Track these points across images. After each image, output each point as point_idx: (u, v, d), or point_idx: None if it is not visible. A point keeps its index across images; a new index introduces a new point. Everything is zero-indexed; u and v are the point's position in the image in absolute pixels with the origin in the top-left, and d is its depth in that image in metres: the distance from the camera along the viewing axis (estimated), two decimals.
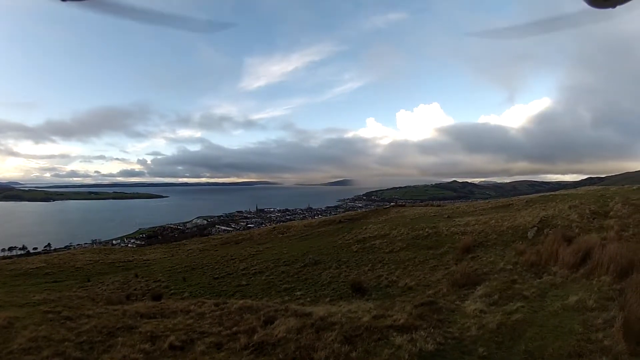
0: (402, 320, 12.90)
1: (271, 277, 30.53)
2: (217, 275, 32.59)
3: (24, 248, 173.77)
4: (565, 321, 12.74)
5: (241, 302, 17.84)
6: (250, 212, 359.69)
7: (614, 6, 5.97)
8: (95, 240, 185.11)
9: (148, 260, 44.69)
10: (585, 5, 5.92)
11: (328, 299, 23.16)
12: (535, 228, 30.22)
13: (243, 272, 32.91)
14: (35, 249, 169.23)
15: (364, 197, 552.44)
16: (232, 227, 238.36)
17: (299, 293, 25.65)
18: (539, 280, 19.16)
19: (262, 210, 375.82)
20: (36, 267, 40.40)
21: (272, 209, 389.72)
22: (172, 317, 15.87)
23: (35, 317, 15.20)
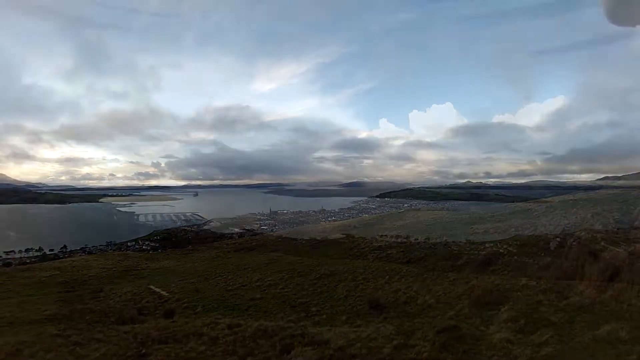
0: (425, 353, 12.22)
1: (286, 290, 29.87)
2: (230, 287, 31.90)
3: (40, 250, 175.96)
4: (598, 355, 11.98)
5: (256, 324, 17.25)
6: (263, 215, 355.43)
7: (634, 25, 5.99)
8: (110, 242, 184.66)
9: (161, 268, 44.38)
10: (584, 13, 5.95)
11: (345, 317, 22.44)
12: (558, 239, 29.37)
13: (257, 283, 32.32)
14: (51, 250, 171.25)
15: (378, 198, 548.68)
16: (246, 229, 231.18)
17: (314, 309, 24.93)
18: (565, 301, 18.28)
19: (275, 212, 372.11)
20: (50, 275, 40.30)
21: (285, 211, 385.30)
22: (184, 342, 15.36)
23: (44, 342, 14.80)
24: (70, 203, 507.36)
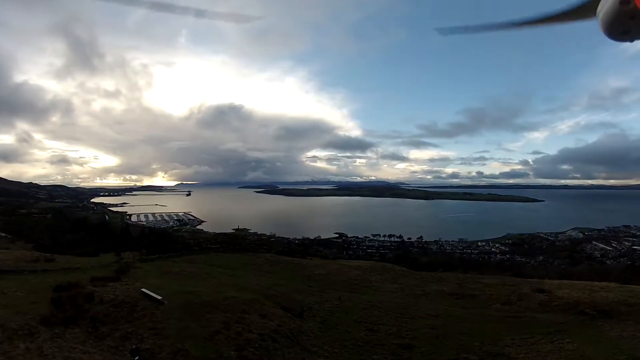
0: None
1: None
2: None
3: (400, 237, 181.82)
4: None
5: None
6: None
7: (632, 40, 6.24)
8: (462, 239, 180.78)
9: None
10: (604, 37, 6.24)
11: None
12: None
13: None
14: (409, 239, 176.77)
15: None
16: (613, 246, 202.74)
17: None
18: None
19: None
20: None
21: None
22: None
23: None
24: (432, 199, 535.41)
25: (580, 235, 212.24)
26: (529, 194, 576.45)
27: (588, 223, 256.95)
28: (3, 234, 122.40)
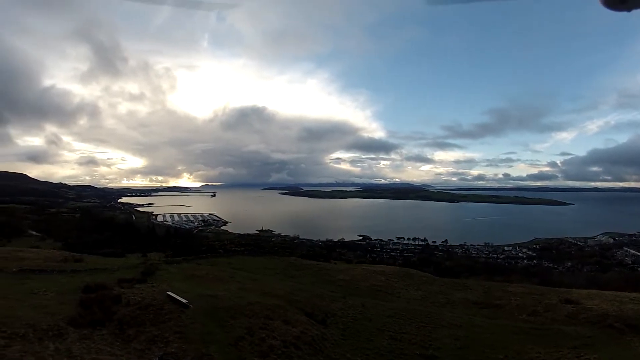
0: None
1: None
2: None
3: (424, 240, 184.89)
4: None
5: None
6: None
7: (629, 10, 5.91)
8: (488, 243, 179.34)
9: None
10: (601, 7, 5.94)
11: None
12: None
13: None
14: (434, 242, 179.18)
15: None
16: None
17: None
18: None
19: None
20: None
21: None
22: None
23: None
24: (458, 202, 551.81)
25: (611, 240, 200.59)
26: (558, 196, 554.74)
27: (619, 227, 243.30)
28: (34, 232, 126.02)
